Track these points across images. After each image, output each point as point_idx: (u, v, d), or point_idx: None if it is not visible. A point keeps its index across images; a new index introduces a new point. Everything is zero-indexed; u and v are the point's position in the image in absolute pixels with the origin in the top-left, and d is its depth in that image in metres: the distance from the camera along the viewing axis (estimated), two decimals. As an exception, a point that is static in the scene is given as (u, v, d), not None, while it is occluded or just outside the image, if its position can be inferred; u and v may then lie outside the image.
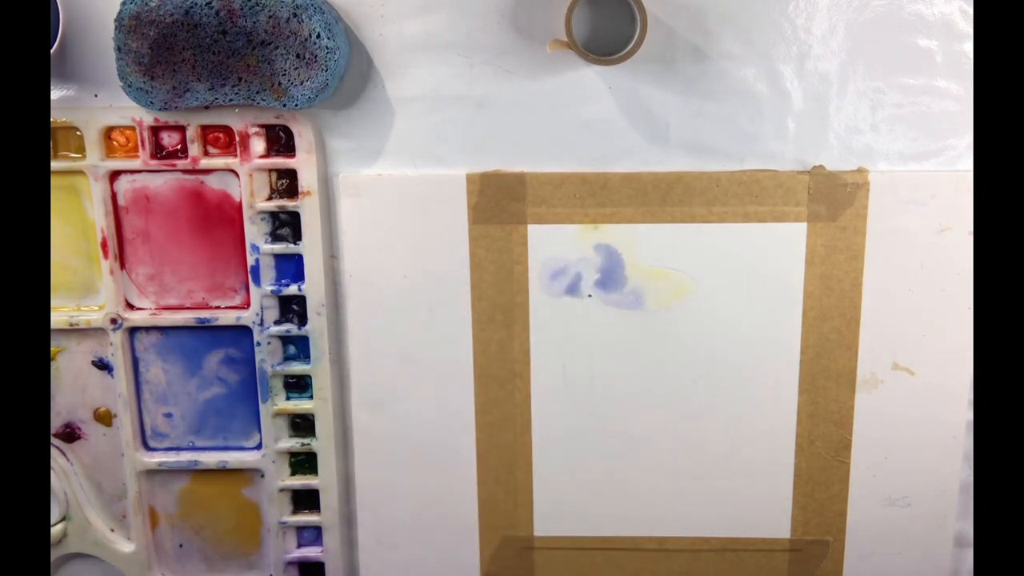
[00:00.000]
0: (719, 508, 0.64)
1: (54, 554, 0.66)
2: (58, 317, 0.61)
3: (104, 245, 0.60)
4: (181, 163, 0.59)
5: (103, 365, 0.63)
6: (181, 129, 0.59)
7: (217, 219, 0.60)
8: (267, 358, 0.62)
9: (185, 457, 0.64)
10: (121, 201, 0.60)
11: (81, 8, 0.57)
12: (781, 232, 0.59)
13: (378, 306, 0.61)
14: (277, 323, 0.62)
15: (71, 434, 0.64)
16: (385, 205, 0.60)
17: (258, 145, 0.59)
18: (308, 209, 0.59)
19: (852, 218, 0.59)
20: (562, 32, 0.54)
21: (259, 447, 0.64)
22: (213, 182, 0.60)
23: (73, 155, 0.59)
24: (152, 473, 0.64)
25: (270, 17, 0.54)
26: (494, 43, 0.57)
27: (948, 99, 0.58)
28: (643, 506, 0.64)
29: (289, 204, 0.59)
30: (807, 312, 0.60)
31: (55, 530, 0.65)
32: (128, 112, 0.58)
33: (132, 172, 0.60)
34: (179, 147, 0.59)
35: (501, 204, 0.59)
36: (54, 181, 0.60)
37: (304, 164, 0.59)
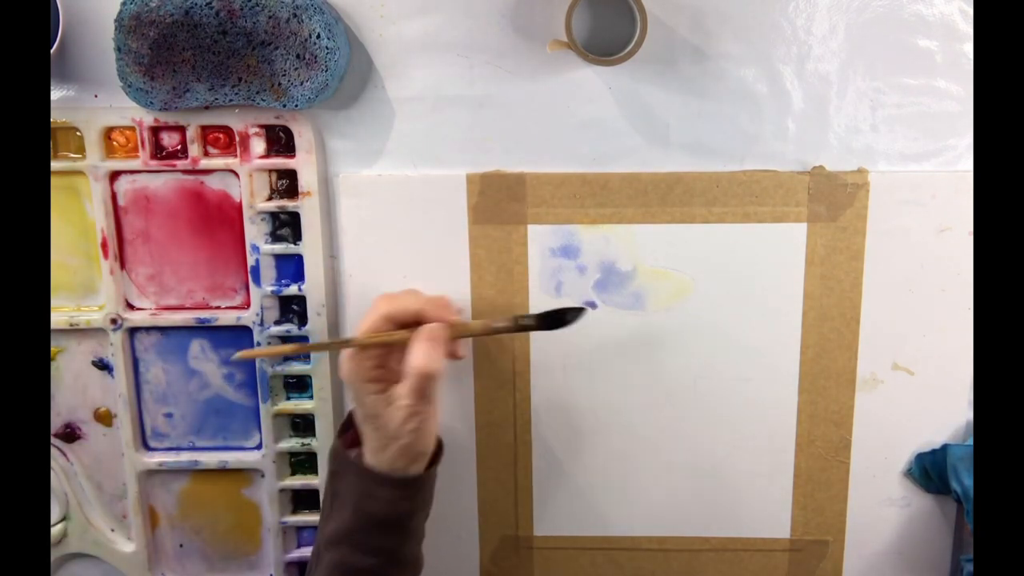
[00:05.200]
0: (719, 508, 0.63)
1: (54, 554, 0.66)
2: (58, 317, 0.61)
3: (104, 245, 0.60)
4: (181, 163, 0.59)
5: (103, 365, 0.63)
6: (181, 129, 0.59)
7: (217, 219, 0.60)
8: (267, 358, 0.62)
9: (185, 457, 0.64)
10: (121, 201, 0.60)
11: (81, 8, 0.57)
12: (781, 232, 0.59)
13: (378, 306, 0.61)
14: (277, 323, 0.62)
15: (71, 434, 0.64)
16: (385, 205, 0.60)
17: (258, 145, 0.59)
18: (308, 209, 0.59)
19: (852, 218, 0.59)
20: (562, 32, 0.54)
21: (259, 447, 0.64)
22: (213, 182, 0.60)
23: (73, 155, 0.59)
24: (152, 473, 0.64)
25: (270, 17, 0.54)
26: (494, 43, 0.57)
27: (948, 99, 0.57)
28: (643, 506, 0.64)
29: (289, 204, 0.59)
30: (807, 312, 0.60)
31: (55, 530, 0.65)
32: (128, 112, 0.58)
33: (132, 172, 0.60)
34: (179, 147, 0.59)
35: (501, 204, 0.59)
36: (54, 181, 0.60)
37: (304, 164, 0.59)
